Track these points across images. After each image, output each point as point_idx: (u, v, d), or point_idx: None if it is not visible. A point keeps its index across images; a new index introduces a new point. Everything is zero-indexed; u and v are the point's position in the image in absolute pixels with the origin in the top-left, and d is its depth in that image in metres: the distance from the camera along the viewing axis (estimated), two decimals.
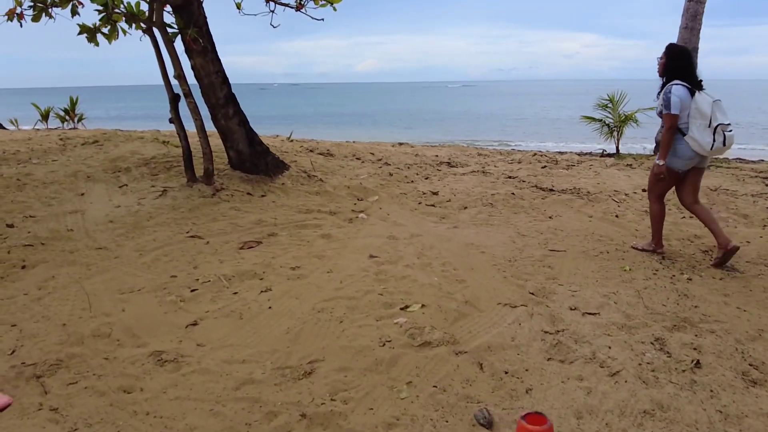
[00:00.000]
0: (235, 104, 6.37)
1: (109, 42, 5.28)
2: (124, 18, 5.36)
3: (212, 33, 6.23)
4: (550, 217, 5.65)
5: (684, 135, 4.23)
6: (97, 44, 6.23)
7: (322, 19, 6.49)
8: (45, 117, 14.28)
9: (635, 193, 6.80)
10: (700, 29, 9.53)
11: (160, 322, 3.44)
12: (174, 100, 5.98)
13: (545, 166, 8.94)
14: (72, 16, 6.14)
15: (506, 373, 2.85)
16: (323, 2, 6.08)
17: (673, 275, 4.13)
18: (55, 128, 14.23)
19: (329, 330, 3.28)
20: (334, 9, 6.06)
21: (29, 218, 5.53)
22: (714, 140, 4.12)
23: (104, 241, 4.90)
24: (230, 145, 6.44)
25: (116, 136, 9.62)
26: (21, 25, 5.52)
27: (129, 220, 5.42)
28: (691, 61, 4.34)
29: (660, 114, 4.36)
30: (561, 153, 12.94)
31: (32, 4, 5.84)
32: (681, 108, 4.19)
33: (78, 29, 6.10)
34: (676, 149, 4.29)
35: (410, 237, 4.95)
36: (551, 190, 6.97)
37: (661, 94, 4.32)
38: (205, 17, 5.96)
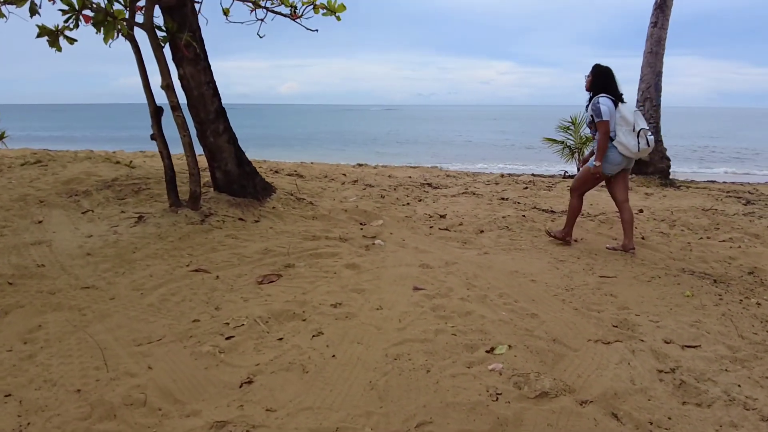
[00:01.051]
0: (225, 120, 5.68)
1: (105, 42, 4.48)
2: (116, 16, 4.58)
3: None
4: (575, 240, 5.39)
5: (612, 140, 4.80)
6: (59, 49, 5.39)
7: (317, 30, 5.99)
8: None
9: (638, 213, 6.73)
10: (663, 53, 9.87)
11: (204, 381, 2.77)
12: (156, 113, 5.23)
13: (526, 188, 8.81)
14: (31, 16, 5.30)
15: (651, 423, 2.45)
16: (325, 11, 5.59)
17: (740, 300, 3.93)
18: None
19: (420, 382, 2.75)
20: (338, 18, 5.58)
21: None
22: (639, 142, 4.72)
23: (88, 278, 4.09)
24: (218, 165, 5.72)
25: (60, 157, 8.55)
26: None
27: (110, 252, 4.61)
28: (614, 78, 4.93)
29: (590, 124, 4.97)
30: (517, 175, 13.01)
31: None
32: (609, 115, 4.78)
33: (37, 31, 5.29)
34: (607, 156, 4.84)
35: (445, 265, 4.49)
36: (552, 211, 6.77)
37: (590, 106, 4.90)
38: (198, 22, 5.28)
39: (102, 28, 4.14)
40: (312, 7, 5.61)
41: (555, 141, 12.12)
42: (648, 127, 4.79)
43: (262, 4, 5.66)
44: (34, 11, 5.32)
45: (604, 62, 5.07)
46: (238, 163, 5.81)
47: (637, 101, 10.15)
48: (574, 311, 3.67)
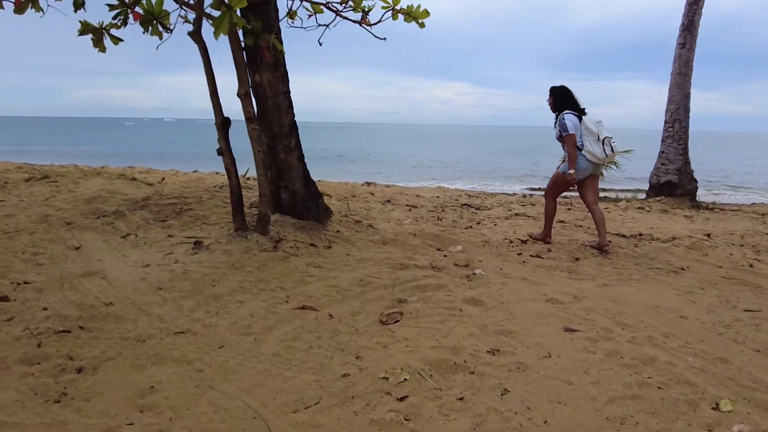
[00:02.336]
0: (297, 134, 5.07)
1: (216, 36, 3.68)
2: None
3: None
4: (682, 269, 5.00)
5: (581, 150, 5.30)
6: (103, 50, 4.73)
7: (385, 39, 5.50)
8: None
9: (715, 237, 6.45)
10: (691, 74, 9.80)
11: None
12: (224, 125, 4.60)
13: (569, 209, 8.48)
14: (75, 10, 4.63)
15: None
16: (405, 17, 5.09)
17: None
18: None
19: None
20: (422, 25, 5.09)
21: (24, 285, 3.86)
22: (604, 149, 5.27)
23: (176, 320, 3.40)
24: (284, 185, 5.08)
25: (67, 172, 7.69)
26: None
27: (185, 286, 3.92)
28: (572, 95, 5.39)
29: (559, 139, 5.43)
30: (527, 195, 12.81)
31: None
32: (575, 129, 5.27)
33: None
34: (577, 162, 5.30)
35: (574, 300, 4.01)
36: (623, 235, 6.41)
37: (557, 123, 5.39)
38: (279, 22, 4.69)
39: (215, 21, 3.49)
40: (391, 12, 5.11)
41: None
42: (611, 136, 5.30)
43: (334, 7, 5.12)
44: (78, 5, 4.65)
45: (557, 83, 5.55)
46: (305, 182, 5.20)
47: (665, 122, 10.03)
48: (758, 353, 3.24)
